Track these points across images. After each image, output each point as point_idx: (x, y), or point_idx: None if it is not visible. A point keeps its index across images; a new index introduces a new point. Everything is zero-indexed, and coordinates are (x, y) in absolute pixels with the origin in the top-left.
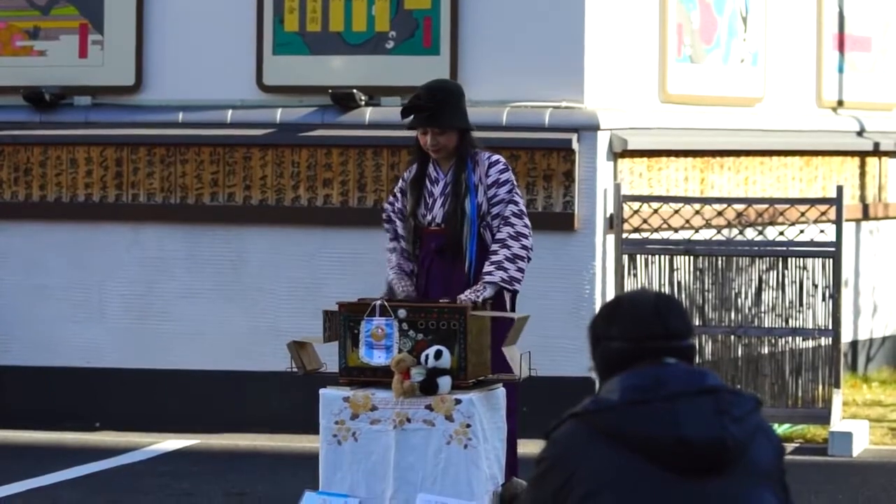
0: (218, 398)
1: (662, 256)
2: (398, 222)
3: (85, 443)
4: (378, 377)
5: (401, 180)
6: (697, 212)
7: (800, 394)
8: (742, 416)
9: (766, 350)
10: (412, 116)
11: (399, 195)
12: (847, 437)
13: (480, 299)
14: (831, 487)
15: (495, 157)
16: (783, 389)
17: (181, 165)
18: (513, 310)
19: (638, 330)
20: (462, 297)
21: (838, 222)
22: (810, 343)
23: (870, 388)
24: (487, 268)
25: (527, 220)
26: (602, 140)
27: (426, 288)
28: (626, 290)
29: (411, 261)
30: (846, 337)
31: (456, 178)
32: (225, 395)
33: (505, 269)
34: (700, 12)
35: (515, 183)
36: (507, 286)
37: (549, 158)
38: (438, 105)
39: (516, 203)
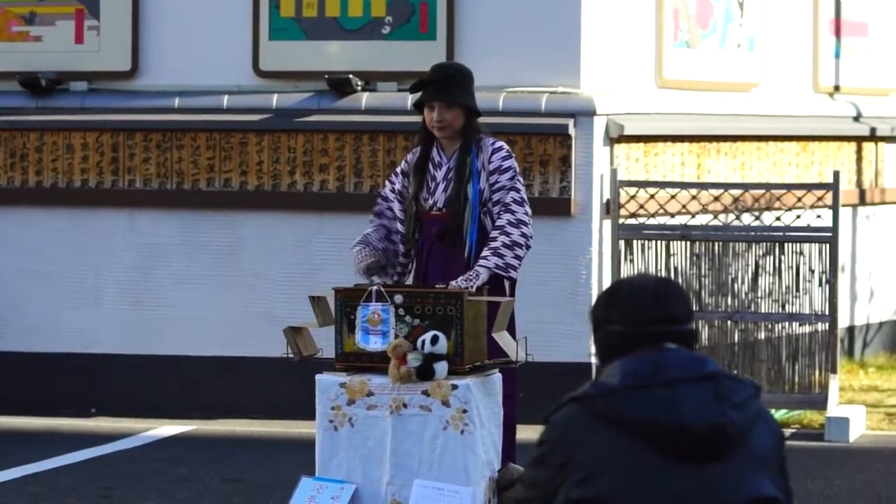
0: (214, 384)
1: (659, 242)
2: (395, 202)
3: (81, 429)
4: (374, 363)
5: (403, 161)
6: (694, 197)
7: (796, 379)
8: (742, 402)
9: (762, 335)
10: (419, 93)
11: (400, 175)
12: (844, 422)
13: (474, 288)
14: (828, 473)
15: (499, 143)
16: (780, 375)
17: (177, 151)
18: (512, 297)
19: (638, 314)
20: (454, 283)
21: (835, 207)
22: (807, 328)
23: (866, 374)
24: (484, 253)
25: (528, 208)
26: (598, 125)
27: (425, 273)
28: (622, 275)
29: (386, 240)
30: (843, 322)
31: (459, 163)
32: (221, 380)
33: (501, 256)
34: None
35: (518, 170)
36: (502, 272)
37: (546, 144)
38: (448, 80)
39: (518, 190)
